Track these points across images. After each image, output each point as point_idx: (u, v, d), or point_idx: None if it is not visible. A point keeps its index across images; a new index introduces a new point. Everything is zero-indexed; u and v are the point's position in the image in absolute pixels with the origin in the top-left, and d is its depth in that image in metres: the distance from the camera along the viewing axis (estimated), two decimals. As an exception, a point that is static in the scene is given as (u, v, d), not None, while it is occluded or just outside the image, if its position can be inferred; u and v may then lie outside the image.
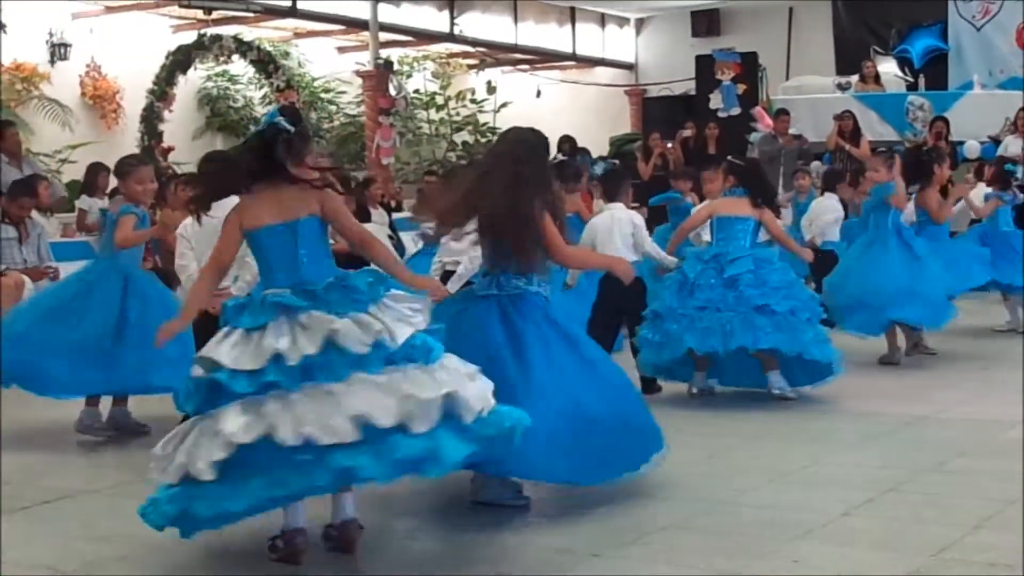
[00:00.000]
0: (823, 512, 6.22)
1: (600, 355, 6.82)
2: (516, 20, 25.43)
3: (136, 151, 18.79)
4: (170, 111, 19.52)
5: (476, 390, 5.42)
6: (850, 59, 23.22)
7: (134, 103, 19.62)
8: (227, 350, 5.28)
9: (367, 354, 5.23)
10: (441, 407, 5.20)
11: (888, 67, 22.46)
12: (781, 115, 19.83)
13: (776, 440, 8.16)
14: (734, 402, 9.34)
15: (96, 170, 14.11)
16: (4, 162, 13.50)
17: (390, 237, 15.37)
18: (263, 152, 5.64)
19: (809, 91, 21.84)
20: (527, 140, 6.71)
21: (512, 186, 6.43)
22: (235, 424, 5.10)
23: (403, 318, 5.43)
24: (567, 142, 19.94)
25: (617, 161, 16.92)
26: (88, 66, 19.73)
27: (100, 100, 19.83)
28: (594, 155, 19.34)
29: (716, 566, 5.41)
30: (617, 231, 9.75)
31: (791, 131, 19.70)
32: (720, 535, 5.91)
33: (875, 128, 20.32)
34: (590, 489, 6.67)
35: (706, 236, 10.38)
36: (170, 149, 19.29)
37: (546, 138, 6.82)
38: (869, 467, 7.28)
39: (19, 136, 14.05)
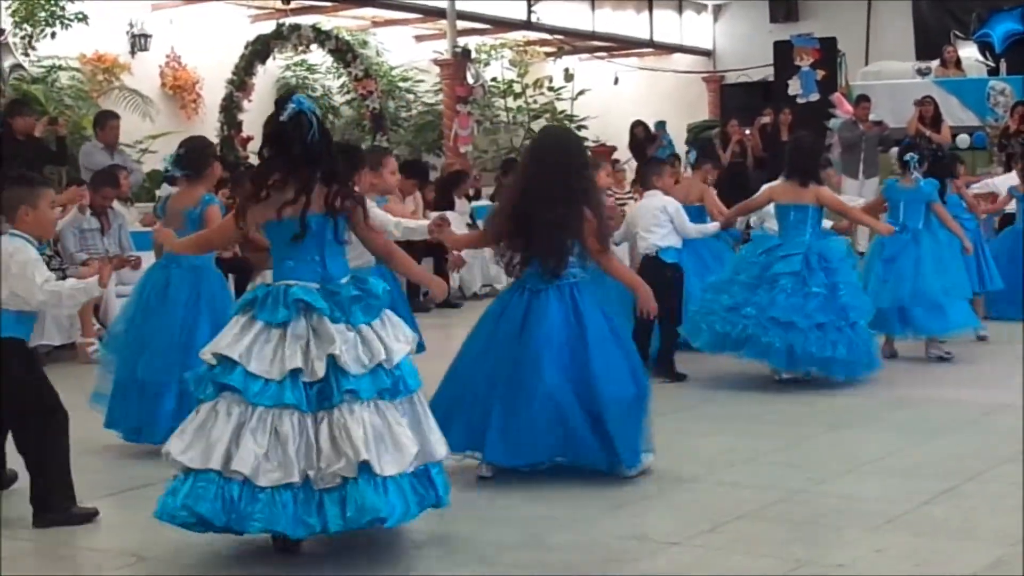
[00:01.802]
0: (903, 501, 6.18)
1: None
2: (593, 7, 25.35)
3: (216, 141, 19.00)
4: (249, 101, 19.65)
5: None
6: (930, 44, 22.96)
7: (213, 93, 19.78)
8: (244, 349, 5.34)
9: (362, 376, 5.32)
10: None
11: (969, 52, 22.17)
12: (861, 101, 19.64)
13: (854, 429, 8.11)
14: (812, 390, 9.28)
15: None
16: (99, 149, 13.69)
17: (468, 226, 15.44)
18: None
19: (889, 76, 21.62)
20: (564, 147, 6.98)
21: (558, 199, 6.70)
22: (250, 463, 5.21)
23: (400, 337, 5.56)
24: (639, 126, 19.91)
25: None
26: (168, 57, 19.92)
27: (180, 90, 20.01)
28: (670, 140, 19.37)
29: (794, 555, 5.38)
30: (651, 220, 9.82)
31: (871, 117, 19.51)
32: (797, 524, 5.89)
33: (956, 114, 20.07)
34: (664, 477, 6.69)
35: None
36: (249, 139, 19.40)
37: (579, 140, 7.00)
38: (949, 456, 7.20)
39: (119, 129, 14.21)
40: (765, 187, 10.38)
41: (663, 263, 9.76)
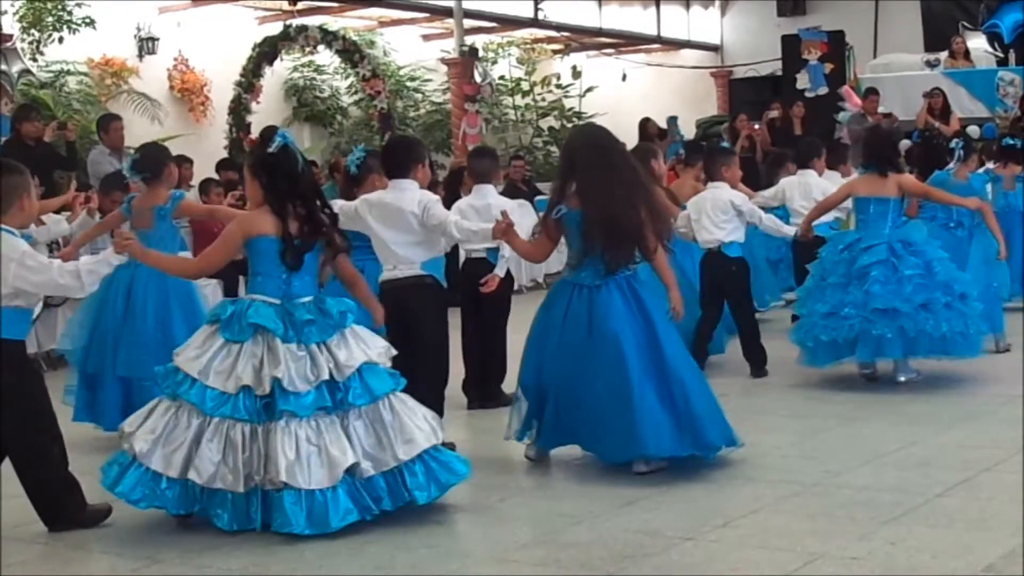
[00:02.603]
0: (919, 493, 6.16)
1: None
2: (600, 3, 25.33)
3: (225, 143, 19.01)
4: (257, 103, 19.65)
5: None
6: (938, 35, 22.90)
7: (221, 95, 19.78)
8: (203, 365, 5.93)
9: (305, 393, 5.87)
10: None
11: (978, 43, 22.08)
12: (870, 94, 19.61)
13: (871, 421, 8.08)
14: (827, 383, 9.25)
15: (179, 163, 14.24)
16: (106, 155, 13.68)
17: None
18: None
19: (897, 69, 21.58)
20: (614, 144, 7.06)
21: (618, 197, 6.77)
22: (207, 472, 5.84)
23: (367, 349, 6.08)
24: (649, 123, 19.87)
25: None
26: (176, 59, 19.90)
27: (188, 93, 20.00)
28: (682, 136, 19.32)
29: (808, 548, 5.36)
30: (717, 212, 9.68)
31: (880, 110, 19.46)
32: (813, 517, 5.86)
33: (965, 105, 20.03)
34: (679, 471, 6.67)
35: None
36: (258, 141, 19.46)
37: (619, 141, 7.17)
38: (965, 448, 7.17)
39: (123, 131, 14.23)
40: (845, 182, 10.03)
41: (727, 257, 9.64)
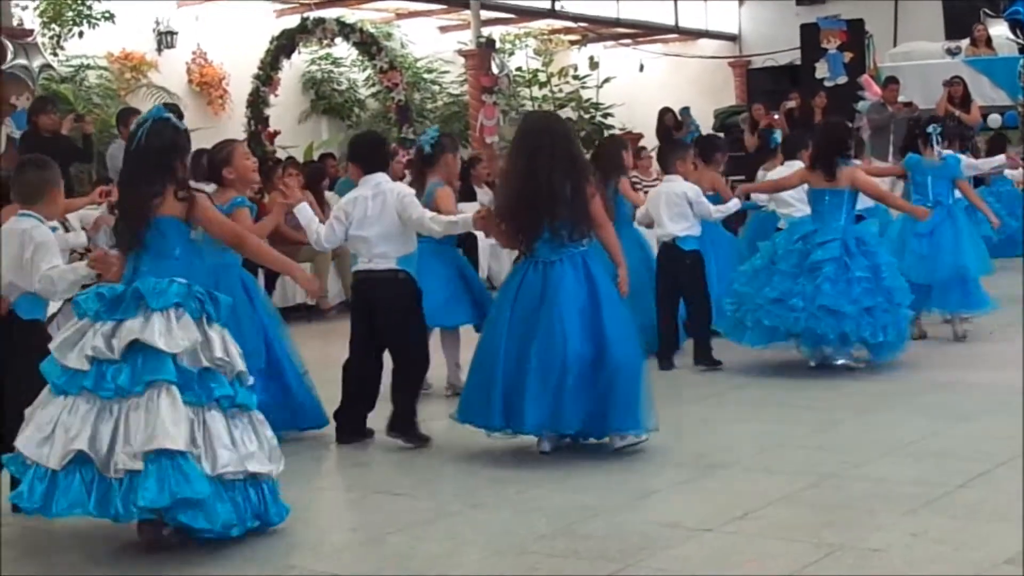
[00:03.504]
0: (938, 485, 6.15)
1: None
2: (617, -6, 25.31)
3: (243, 136, 19.05)
4: (275, 96, 19.70)
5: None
6: (959, 23, 22.77)
7: (240, 89, 19.83)
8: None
9: (84, 373, 5.47)
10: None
11: (999, 30, 21.95)
12: (890, 83, 19.54)
13: (889, 413, 8.07)
14: (842, 375, 9.24)
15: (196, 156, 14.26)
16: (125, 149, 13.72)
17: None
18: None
19: (918, 57, 21.47)
20: (561, 128, 7.29)
21: (566, 173, 7.04)
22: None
23: (155, 333, 5.49)
24: (667, 113, 19.84)
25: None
26: (194, 53, 19.97)
27: (207, 87, 20.07)
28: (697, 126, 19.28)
29: (827, 540, 5.35)
30: (671, 206, 9.77)
31: (900, 99, 19.40)
32: (832, 508, 5.86)
33: (986, 93, 19.93)
34: (695, 464, 6.68)
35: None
36: (276, 133, 19.49)
37: (564, 121, 7.47)
38: (983, 439, 7.15)
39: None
40: (798, 169, 10.11)
41: (681, 251, 9.76)
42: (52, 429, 5.45)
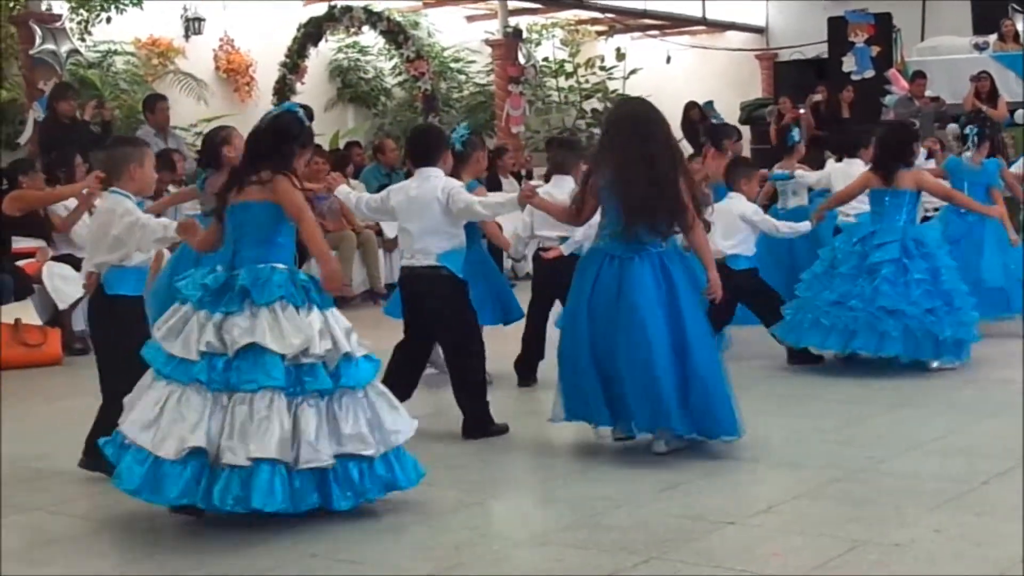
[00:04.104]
0: (963, 481, 6.14)
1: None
2: (645, -15, 25.25)
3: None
4: (302, 83, 19.72)
5: None
6: (987, 18, 22.64)
7: (267, 76, 19.86)
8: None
9: (192, 362, 5.61)
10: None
11: (1028, 25, 21.90)
12: (917, 77, 19.47)
13: (914, 409, 8.06)
14: (872, 370, 9.21)
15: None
16: (152, 135, 13.75)
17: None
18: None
19: (945, 52, 21.38)
20: (656, 117, 6.99)
21: (658, 167, 6.73)
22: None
23: (267, 331, 5.62)
24: (694, 108, 19.81)
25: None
26: (222, 40, 20.00)
27: (234, 74, 20.10)
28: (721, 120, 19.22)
29: (852, 535, 5.34)
30: (728, 224, 9.40)
31: (927, 93, 19.33)
32: (856, 504, 5.85)
33: (1014, 88, 19.84)
34: (720, 456, 6.68)
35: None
36: (302, 121, 19.48)
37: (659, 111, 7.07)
38: (1008, 436, 7.11)
39: (168, 111, 14.31)
40: (863, 173, 9.88)
41: (730, 270, 9.38)
42: (158, 414, 5.58)
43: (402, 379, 7.50)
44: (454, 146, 8.59)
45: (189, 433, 5.51)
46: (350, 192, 7.89)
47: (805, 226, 9.90)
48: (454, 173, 8.79)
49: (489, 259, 9.26)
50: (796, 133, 12.46)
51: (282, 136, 5.97)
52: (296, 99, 19.12)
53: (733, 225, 9.46)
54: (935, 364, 9.15)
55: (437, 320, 7.50)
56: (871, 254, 9.10)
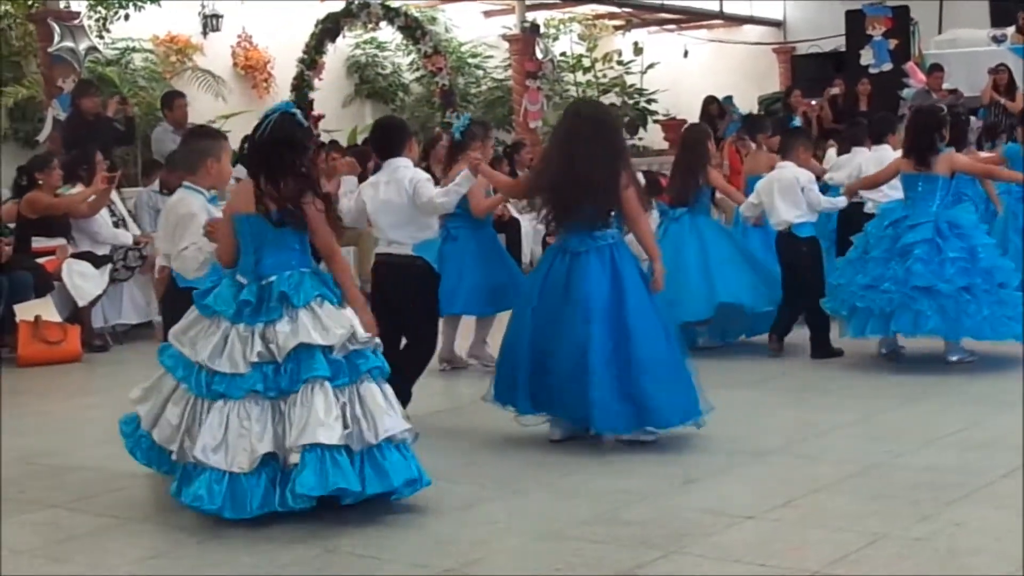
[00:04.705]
0: (981, 474, 6.13)
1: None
2: (662, -21, 25.20)
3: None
4: (320, 79, 19.68)
5: None
6: (1005, 10, 22.54)
7: (284, 72, 19.83)
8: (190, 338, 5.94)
9: (241, 376, 5.72)
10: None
11: (1046, 17, 21.80)
12: (935, 70, 19.40)
13: (933, 402, 8.04)
14: (890, 364, 9.20)
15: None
16: (170, 132, 13.77)
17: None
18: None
19: (963, 44, 21.30)
20: (605, 116, 7.33)
21: (603, 161, 6.97)
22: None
23: (310, 330, 5.74)
24: (713, 103, 19.77)
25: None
26: (239, 36, 20.03)
27: (251, 70, 20.12)
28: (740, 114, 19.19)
29: (870, 529, 5.34)
30: (787, 193, 9.61)
31: (945, 86, 19.27)
32: (874, 498, 5.84)
33: (1032, 81, 19.77)
34: (739, 450, 6.67)
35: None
36: (320, 117, 19.49)
37: (612, 113, 7.49)
38: (1028, 429, 7.12)
39: (187, 107, 14.34)
40: (895, 158, 9.87)
41: (797, 239, 9.60)
42: (223, 434, 5.70)
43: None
44: (453, 136, 8.65)
45: (257, 442, 5.66)
46: (348, 194, 7.90)
47: (842, 201, 10.14)
48: (450, 161, 8.90)
49: (499, 246, 9.31)
50: (797, 121, 12.58)
51: (287, 146, 5.91)
52: (314, 95, 19.20)
53: (795, 195, 9.58)
54: (954, 358, 9.13)
55: (405, 308, 7.56)
56: (903, 236, 9.04)
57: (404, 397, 7.39)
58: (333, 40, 19.85)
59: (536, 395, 7.00)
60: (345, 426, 5.67)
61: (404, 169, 7.63)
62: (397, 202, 7.56)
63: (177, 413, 5.83)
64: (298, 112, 6.06)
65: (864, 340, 9.35)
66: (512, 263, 9.47)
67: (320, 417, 5.62)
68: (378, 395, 5.82)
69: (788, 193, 9.60)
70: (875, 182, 10.02)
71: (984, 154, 13.38)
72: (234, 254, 6.02)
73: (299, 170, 5.91)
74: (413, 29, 20.22)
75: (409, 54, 21.71)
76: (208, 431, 5.70)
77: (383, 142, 7.84)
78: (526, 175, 7.44)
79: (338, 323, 5.80)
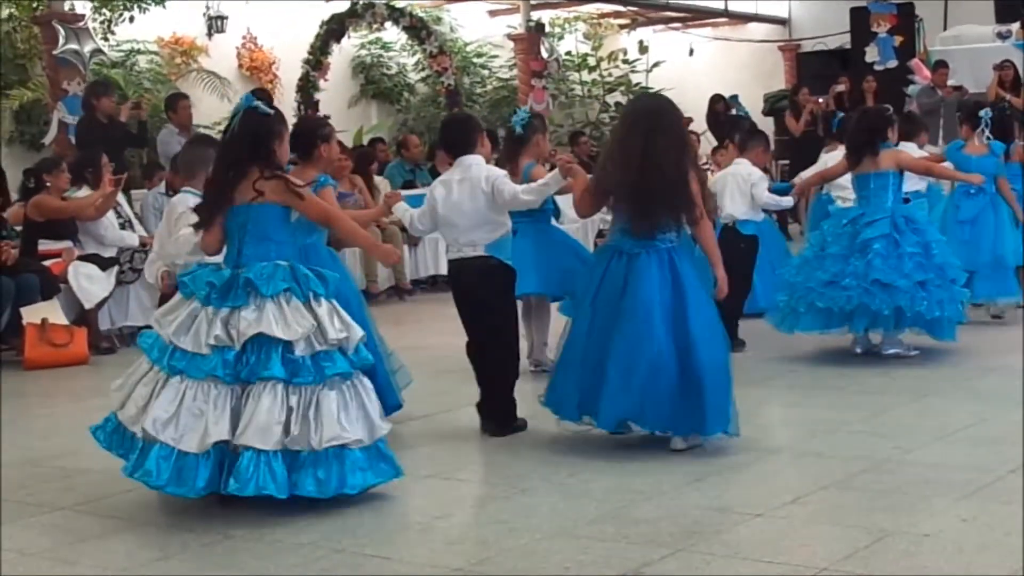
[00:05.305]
0: (990, 470, 6.12)
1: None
2: (667, -22, 25.20)
3: (293, 121, 19.08)
4: (325, 80, 19.70)
5: None
6: (1010, 6, 22.51)
7: (290, 73, 19.85)
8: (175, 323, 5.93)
9: (203, 357, 5.77)
10: None
11: (1052, 13, 21.78)
12: (940, 67, 19.41)
13: (941, 398, 8.03)
14: (898, 359, 9.20)
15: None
16: (175, 134, 13.77)
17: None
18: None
19: (968, 41, 21.30)
20: (674, 113, 6.97)
21: (674, 162, 6.71)
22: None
23: (273, 323, 5.77)
24: (720, 102, 19.76)
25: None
26: (244, 38, 20.03)
27: (257, 71, 20.12)
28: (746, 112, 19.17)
29: (879, 525, 5.34)
30: (737, 188, 9.82)
31: (950, 83, 19.26)
32: (883, 494, 5.84)
33: (1037, 77, 19.76)
34: (747, 448, 6.67)
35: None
36: (326, 118, 19.50)
37: (675, 105, 7.05)
38: (1037, 424, 7.11)
39: (191, 109, 14.34)
40: (843, 156, 9.98)
41: (739, 234, 9.77)
42: (176, 408, 5.75)
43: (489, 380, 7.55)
44: (514, 129, 8.53)
45: (213, 426, 5.71)
46: (407, 210, 7.68)
47: (788, 201, 10.50)
48: (513, 156, 8.72)
49: (562, 232, 9.21)
50: (838, 120, 12.67)
51: (257, 138, 6.02)
52: (319, 96, 19.23)
53: (742, 189, 9.81)
54: (891, 351, 9.30)
55: (484, 309, 7.36)
56: (861, 232, 9.16)
57: (509, 405, 7.43)
58: (338, 41, 19.88)
59: (584, 404, 6.83)
60: (287, 431, 5.72)
61: (477, 167, 7.38)
62: (470, 203, 7.30)
63: (144, 394, 5.87)
64: (259, 104, 6.13)
65: (867, 342, 9.40)
66: (579, 246, 9.36)
67: (261, 420, 5.70)
68: (334, 403, 5.81)
69: (737, 189, 9.81)
70: (824, 178, 10.57)
71: (934, 149, 13.53)
72: (218, 243, 6.11)
73: (274, 159, 6.02)
74: (418, 29, 20.25)
75: (414, 54, 21.71)
76: (160, 405, 5.76)
77: (454, 139, 7.59)
78: (591, 180, 7.07)
79: (301, 320, 5.81)
